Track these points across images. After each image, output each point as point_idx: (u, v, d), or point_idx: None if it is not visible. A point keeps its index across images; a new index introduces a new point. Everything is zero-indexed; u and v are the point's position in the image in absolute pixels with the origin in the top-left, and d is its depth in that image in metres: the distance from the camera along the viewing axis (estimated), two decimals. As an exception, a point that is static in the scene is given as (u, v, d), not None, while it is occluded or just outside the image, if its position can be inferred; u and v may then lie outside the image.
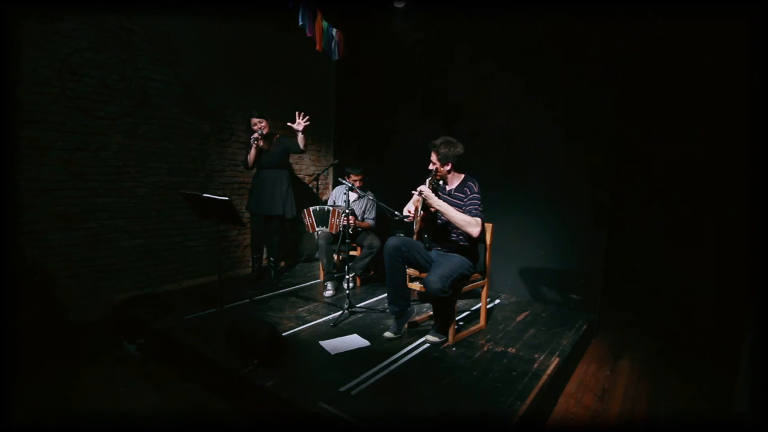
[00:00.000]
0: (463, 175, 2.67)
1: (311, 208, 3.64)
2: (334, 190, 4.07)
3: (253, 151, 3.65)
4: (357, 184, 3.65)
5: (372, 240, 3.63)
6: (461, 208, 2.52)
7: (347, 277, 3.14)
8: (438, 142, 2.58)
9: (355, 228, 3.63)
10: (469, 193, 2.55)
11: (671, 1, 2.85)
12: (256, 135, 3.58)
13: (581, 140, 3.33)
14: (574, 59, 3.31)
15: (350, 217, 3.25)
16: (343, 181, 3.21)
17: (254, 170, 3.81)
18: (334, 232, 3.54)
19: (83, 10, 3.03)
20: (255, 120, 3.65)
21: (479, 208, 2.49)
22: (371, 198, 3.59)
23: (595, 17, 3.12)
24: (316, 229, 3.63)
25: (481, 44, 3.79)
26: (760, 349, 1.71)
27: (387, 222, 4.10)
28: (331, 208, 3.56)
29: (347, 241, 3.16)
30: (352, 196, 3.74)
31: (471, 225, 2.42)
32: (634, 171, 3.26)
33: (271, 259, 3.96)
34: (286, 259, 4.69)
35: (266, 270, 4.02)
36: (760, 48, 1.82)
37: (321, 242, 3.57)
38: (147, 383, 2.49)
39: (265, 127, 3.65)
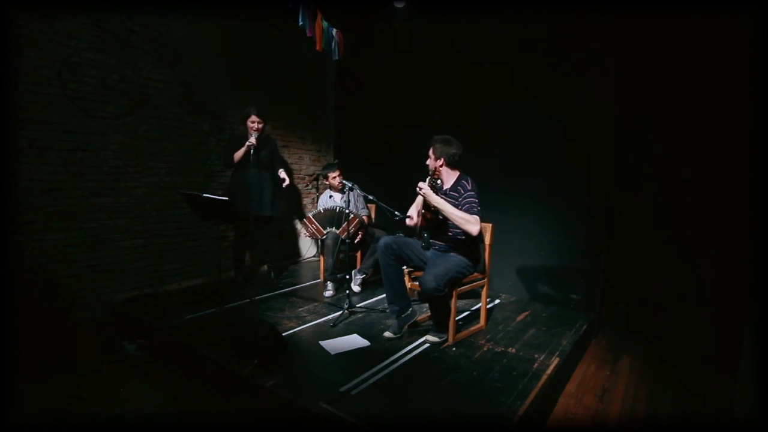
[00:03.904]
0: (457, 173, 2.64)
1: (311, 215, 3.59)
2: (320, 198, 3.99)
3: (243, 150, 3.45)
4: (338, 179, 3.73)
5: (376, 233, 3.63)
6: (456, 207, 2.49)
7: (356, 277, 3.11)
8: (437, 137, 2.63)
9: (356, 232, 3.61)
10: (462, 191, 2.52)
11: (672, 2, 2.85)
12: (252, 140, 3.39)
13: (582, 140, 3.33)
14: (574, 59, 3.31)
15: (355, 222, 3.23)
16: (346, 183, 3.17)
17: (232, 168, 3.65)
18: (343, 236, 3.39)
19: (83, 10, 3.03)
20: (255, 118, 3.46)
21: (476, 207, 2.44)
22: (359, 191, 3.42)
23: (596, 17, 3.12)
24: (324, 232, 3.58)
25: (481, 44, 3.79)
26: (760, 349, 1.71)
27: (380, 217, 4.06)
28: (349, 213, 3.36)
29: (347, 241, 3.16)
30: (338, 196, 3.83)
31: (470, 223, 2.38)
32: (634, 172, 3.26)
33: (269, 260, 3.94)
34: (285, 259, 4.69)
35: (266, 273, 4.00)
36: (760, 48, 1.81)
37: (328, 242, 3.53)
38: (147, 383, 2.49)
39: (262, 129, 3.55)
